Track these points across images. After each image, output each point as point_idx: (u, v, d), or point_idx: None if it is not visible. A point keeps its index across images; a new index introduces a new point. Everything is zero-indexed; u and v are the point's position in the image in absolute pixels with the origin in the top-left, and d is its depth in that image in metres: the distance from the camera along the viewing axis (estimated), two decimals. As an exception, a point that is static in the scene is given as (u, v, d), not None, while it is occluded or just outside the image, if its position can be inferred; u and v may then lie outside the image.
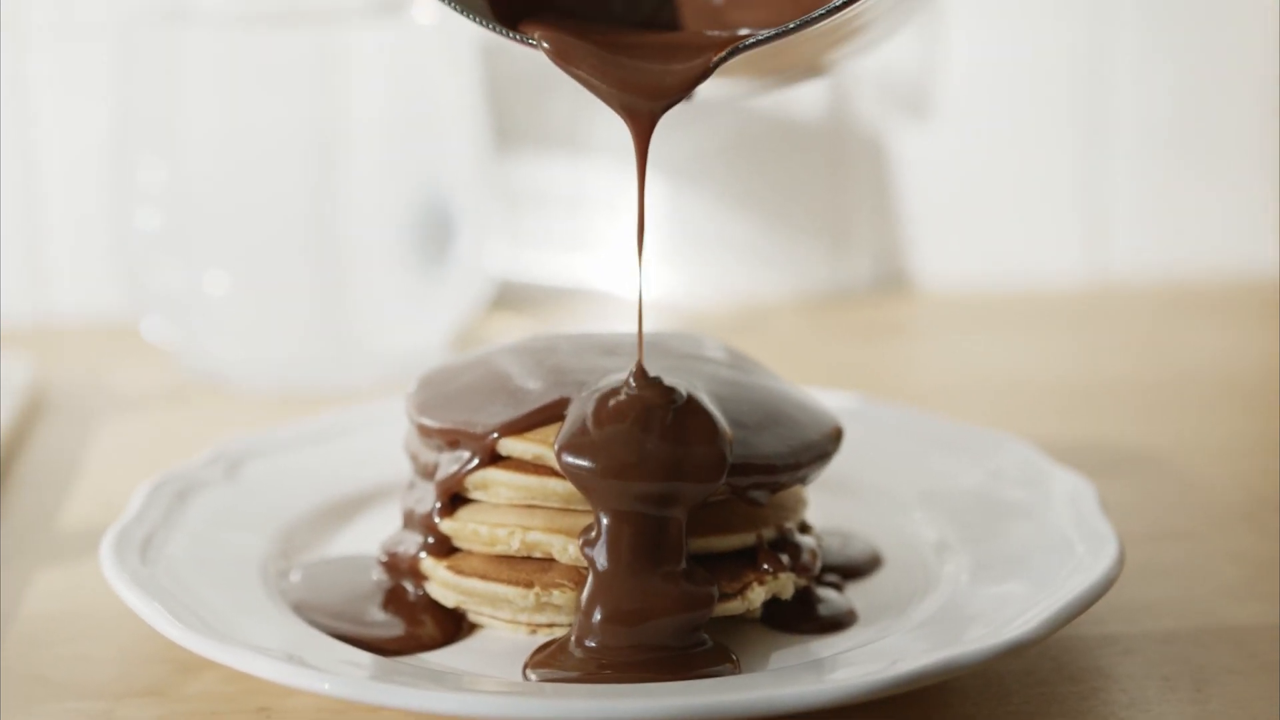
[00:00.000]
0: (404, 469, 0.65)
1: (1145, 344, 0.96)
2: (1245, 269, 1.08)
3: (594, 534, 0.52)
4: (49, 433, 0.81)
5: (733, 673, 0.51)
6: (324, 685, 0.48)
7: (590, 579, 0.52)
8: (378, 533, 0.62)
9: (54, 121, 0.99)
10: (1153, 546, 0.63)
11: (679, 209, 1.05)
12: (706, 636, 0.53)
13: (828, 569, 0.59)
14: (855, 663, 0.51)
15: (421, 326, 0.89)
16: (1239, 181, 1.08)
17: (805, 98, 1.05)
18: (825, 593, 0.57)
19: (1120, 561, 0.54)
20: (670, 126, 1.01)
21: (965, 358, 0.95)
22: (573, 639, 0.53)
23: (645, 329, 0.61)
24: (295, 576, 0.59)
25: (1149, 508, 0.68)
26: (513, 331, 0.98)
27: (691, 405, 0.53)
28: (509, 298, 1.03)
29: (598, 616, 0.52)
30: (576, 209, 1.05)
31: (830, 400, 0.67)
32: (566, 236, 1.05)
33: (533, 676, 0.52)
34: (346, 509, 0.66)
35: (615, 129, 1.02)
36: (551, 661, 0.52)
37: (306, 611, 0.56)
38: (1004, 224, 1.08)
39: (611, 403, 0.53)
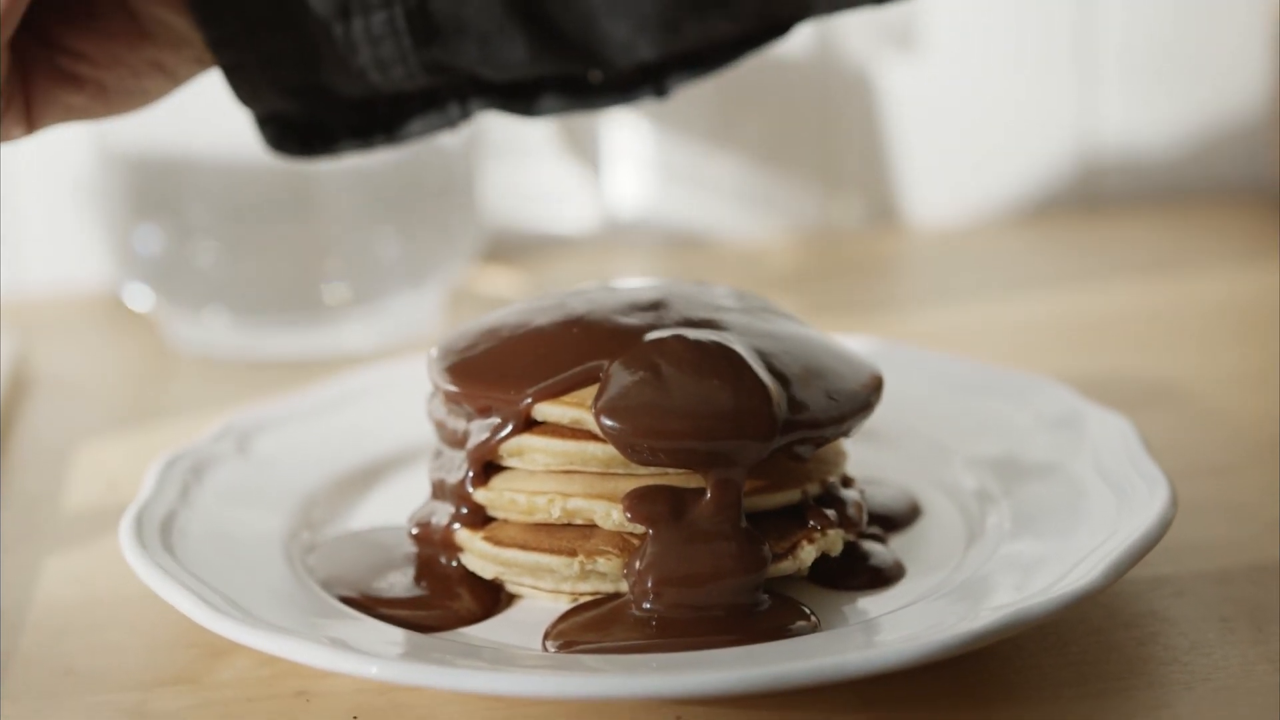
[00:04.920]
0: (416, 436, 0.63)
1: (1146, 271, 0.94)
2: (1245, 188, 1.06)
3: (643, 498, 0.51)
4: (38, 410, 0.79)
5: (813, 630, 0.50)
6: (371, 669, 0.46)
7: (647, 543, 0.51)
8: (399, 502, 0.60)
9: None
10: (1190, 484, 0.61)
11: (666, 149, 1.03)
12: (765, 595, 0.51)
13: (869, 521, 0.58)
14: (915, 621, 0.49)
15: (415, 283, 0.87)
16: (1234, 99, 1.06)
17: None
18: (870, 546, 0.56)
19: (1174, 502, 0.53)
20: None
21: (966, 295, 0.93)
22: (630, 604, 0.51)
23: (656, 281, 0.59)
24: (322, 552, 0.57)
25: (1179, 444, 0.67)
26: (507, 284, 0.96)
27: (734, 360, 0.51)
28: (503, 250, 1.00)
29: (654, 581, 0.50)
30: (559, 156, 1.03)
31: (853, 345, 0.66)
32: (559, 185, 1.03)
33: (551, 647, 0.50)
34: (364, 479, 0.64)
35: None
36: (603, 627, 0.50)
37: (337, 588, 0.54)
38: (996, 154, 1.06)
39: (651, 361, 0.51)
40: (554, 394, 0.52)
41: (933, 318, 0.89)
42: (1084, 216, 1.06)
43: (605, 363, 0.52)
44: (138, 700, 0.50)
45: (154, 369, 0.85)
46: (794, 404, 0.52)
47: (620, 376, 0.51)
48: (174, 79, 0.57)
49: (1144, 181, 1.07)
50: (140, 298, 0.86)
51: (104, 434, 0.75)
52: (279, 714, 0.49)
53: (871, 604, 0.53)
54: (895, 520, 0.59)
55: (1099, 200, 1.07)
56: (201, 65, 0.58)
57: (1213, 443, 0.68)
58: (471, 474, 0.53)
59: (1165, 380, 0.75)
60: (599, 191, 1.03)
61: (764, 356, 0.53)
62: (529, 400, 0.52)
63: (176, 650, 0.53)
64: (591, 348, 0.53)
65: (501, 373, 0.53)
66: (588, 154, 1.03)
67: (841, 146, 1.04)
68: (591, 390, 0.52)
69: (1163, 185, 1.07)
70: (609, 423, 0.50)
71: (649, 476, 0.52)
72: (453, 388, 0.54)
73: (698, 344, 0.52)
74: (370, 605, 0.53)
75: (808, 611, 0.51)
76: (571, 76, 0.61)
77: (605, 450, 0.51)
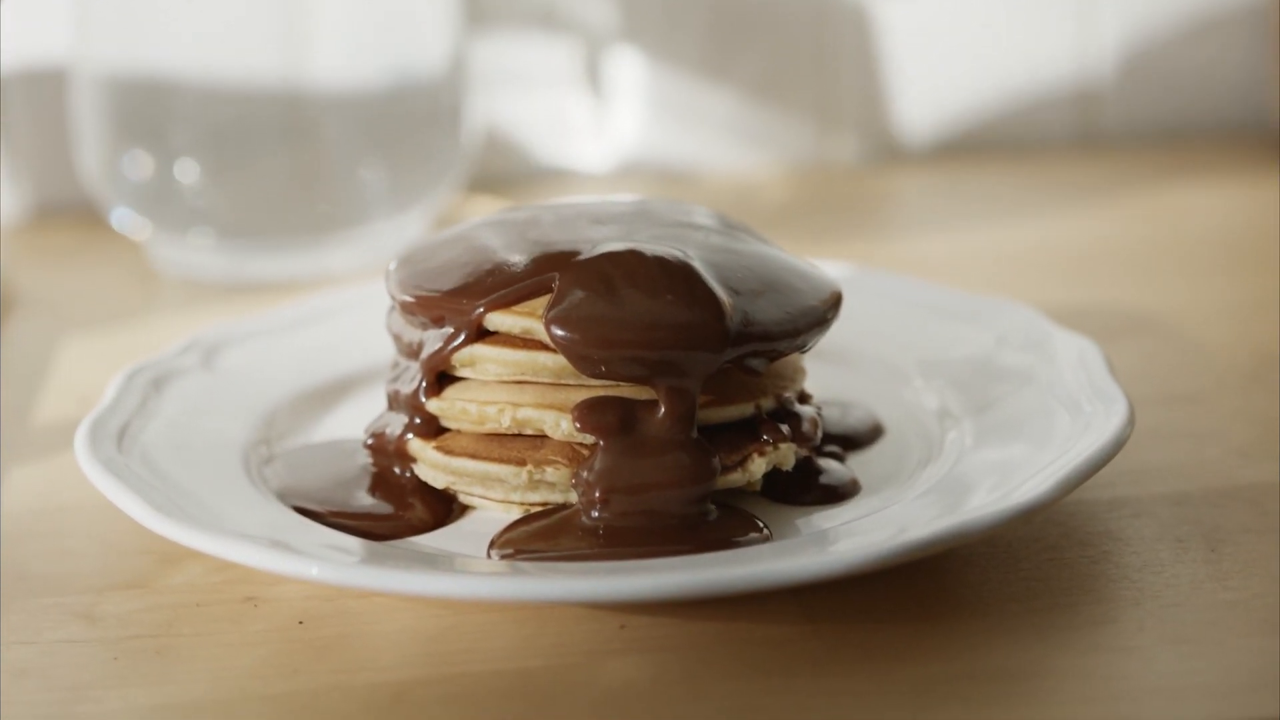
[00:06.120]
0: (381, 355, 0.63)
1: (1139, 205, 0.94)
2: (1239, 124, 1.05)
3: (593, 408, 0.51)
4: (18, 329, 0.79)
5: (764, 541, 0.50)
6: (311, 571, 0.46)
7: (596, 453, 0.51)
8: (360, 417, 0.60)
9: (14, 5, 0.96)
10: (1159, 410, 0.61)
11: (661, 83, 1.02)
12: (712, 506, 0.51)
13: (828, 439, 0.57)
14: (862, 532, 0.49)
15: (397, 210, 0.87)
16: (1233, 35, 1.05)
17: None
18: (827, 463, 0.56)
19: (1131, 421, 0.52)
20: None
21: (957, 227, 0.92)
22: (579, 514, 0.51)
23: (631, 198, 0.59)
24: (278, 462, 0.57)
25: (1154, 371, 0.67)
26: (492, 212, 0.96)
27: (686, 272, 0.51)
28: (485, 179, 1.00)
29: (601, 490, 0.50)
30: (552, 88, 1.02)
31: (824, 269, 0.65)
32: (542, 115, 1.03)
33: (496, 555, 0.50)
34: (326, 395, 0.64)
35: (589, 6, 1.00)
36: (550, 537, 0.50)
37: (291, 498, 0.54)
38: (992, 90, 1.05)
39: (603, 272, 0.51)
40: (506, 304, 0.52)
41: (925, 249, 0.88)
42: (1080, 149, 1.05)
43: (558, 274, 0.52)
44: (88, 603, 0.51)
45: (140, 292, 0.85)
46: (747, 317, 0.51)
47: (572, 287, 0.51)
48: None
49: (1141, 114, 1.06)
50: (127, 222, 0.86)
51: (86, 354, 0.75)
52: (225, 618, 0.49)
53: (824, 518, 0.53)
54: (856, 439, 0.58)
55: (1096, 133, 1.06)
56: None
57: (1187, 371, 0.67)
58: (424, 384, 0.53)
59: (1150, 310, 0.74)
60: (590, 123, 1.03)
61: (720, 270, 0.52)
62: (481, 310, 0.52)
63: (130, 556, 0.53)
64: (547, 259, 0.53)
65: (454, 283, 0.53)
66: (580, 86, 1.02)
67: (837, 80, 1.04)
68: (544, 300, 0.51)
69: (1159, 119, 1.06)
70: (559, 332, 0.50)
71: (600, 388, 0.52)
72: (407, 297, 0.54)
73: (652, 256, 0.51)
74: (323, 514, 0.53)
75: (760, 524, 0.51)
76: None
77: (556, 360, 0.51)
